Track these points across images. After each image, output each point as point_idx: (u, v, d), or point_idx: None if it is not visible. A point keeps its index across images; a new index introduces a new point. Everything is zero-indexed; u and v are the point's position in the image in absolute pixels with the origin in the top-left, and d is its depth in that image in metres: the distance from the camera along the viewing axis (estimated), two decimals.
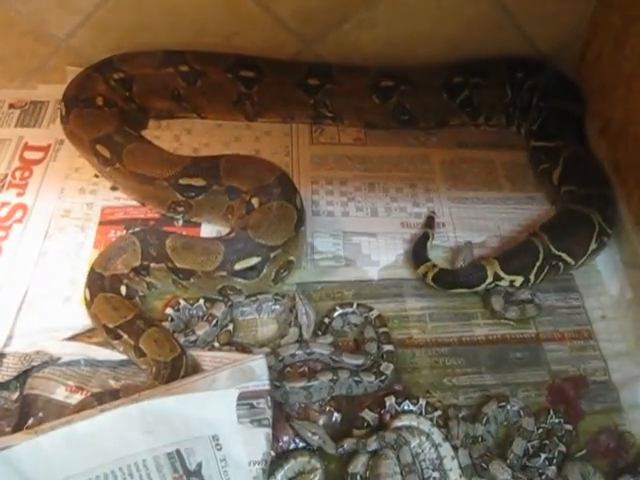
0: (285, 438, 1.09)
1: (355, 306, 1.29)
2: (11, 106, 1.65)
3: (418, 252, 1.38)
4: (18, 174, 1.49)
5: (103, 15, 1.54)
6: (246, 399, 1.00)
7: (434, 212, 1.47)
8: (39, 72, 1.65)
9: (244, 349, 1.22)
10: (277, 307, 1.30)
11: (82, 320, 1.24)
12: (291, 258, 1.30)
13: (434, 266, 1.34)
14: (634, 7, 1.43)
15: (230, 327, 1.26)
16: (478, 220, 1.48)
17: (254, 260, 1.24)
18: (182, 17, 1.55)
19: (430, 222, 1.44)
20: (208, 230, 1.42)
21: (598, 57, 1.59)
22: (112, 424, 0.89)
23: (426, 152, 1.62)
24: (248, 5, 1.53)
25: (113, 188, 1.48)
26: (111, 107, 1.52)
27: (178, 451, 0.91)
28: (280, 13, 1.56)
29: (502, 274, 1.30)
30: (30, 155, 1.54)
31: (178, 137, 1.60)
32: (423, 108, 1.63)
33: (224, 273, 1.24)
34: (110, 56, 1.58)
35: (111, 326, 1.17)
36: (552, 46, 1.63)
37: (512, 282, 1.32)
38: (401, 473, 1.07)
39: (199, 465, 0.91)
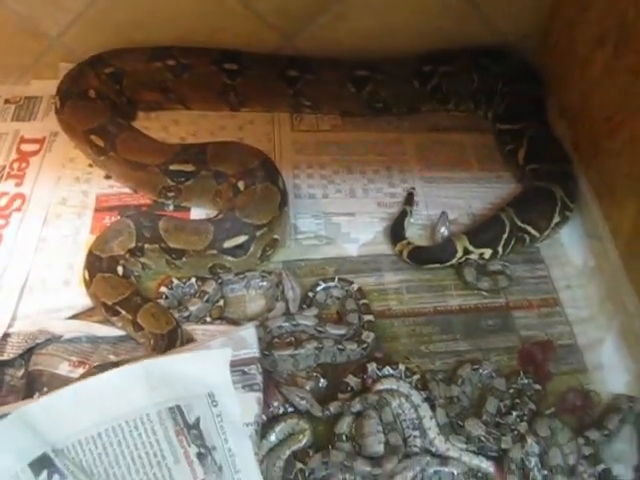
0: (275, 403, 1.11)
1: (337, 281, 1.31)
2: (7, 101, 1.65)
3: (395, 231, 1.41)
4: (16, 165, 1.50)
5: (94, 14, 1.54)
6: (237, 366, 1.02)
7: (414, 188, 1.49)
8: (33, 69, 1.65)
9: (234, 323, 1.24)
10: (264, 283, 1.31)
11: (82, 300, 1.25)
12: (276, 236, 1.32)
13: (409, 244, 1.37)
14: None
15: (221, 303, 1.27)
16: (450, 199, 1.49)
17: (242, 238, 1.26)
18: (169, 15, 1.56)
19: (410, 199, 1.46)
20: (197, 214, 1.43)
21: (556, 45, 1.62)
22: (118, 382, 0.91)
23: (400, 136, 1.63)
24: (231, 3, 1.54)
25: (107, 177, 1.49)
26: (103, 100, 1.52)
27: (178, 406, 0.93)
28: (261, 10, 1.57)
29: (471, 248, 1.33)
30: (26, 147, 1.54)
31: (166, 127, 1.61)
32: (396, 95, 1.65)
33: (214, 251, 1.26)
34: (101, 52, 1.58)
35: (110, 303, 1.18)
36: (515, 36, 1.66)
37: (481, 255, 1.34)
38: (384, 431, 1.09)
39: (197, 420, 0.93)
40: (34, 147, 1.55)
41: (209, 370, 0.93)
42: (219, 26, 1.59)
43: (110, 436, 0.91)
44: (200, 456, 0.93)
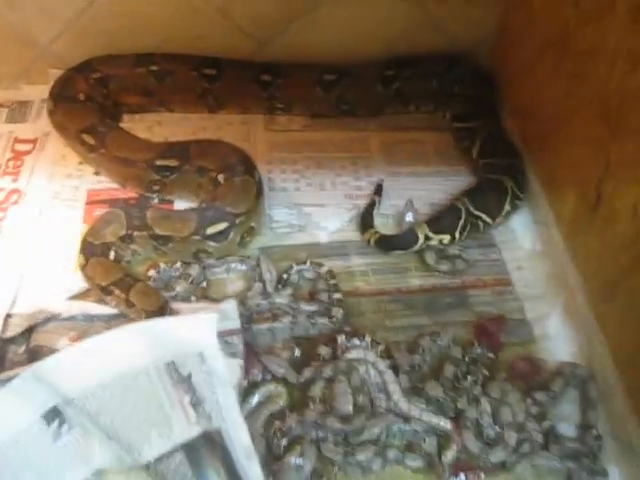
0: (255, 371, 1.22)
1: (309, 264, 1.41)
2: (0, 105, 1.74)
3: (364, 219, 1.52)
4: (11, 163, 1.60)
5: (81, 24, 1.64)
6: (221, 336, 1.12)
7: (383, 180, 1.60)
8: (24, 75, 1.74)
9: (217, 302, 1.32)
10: (243, 267, 1.41)
11: (77, 284, 1.35)
12: (253, 224, 1.44)
13: (376, 232, 1.47)
14: (530, 10, 1.59)
15: (204, 284, 1.37)
16: (412, 191, 1.59)
17: (223, 225, 1.37)
18: (152, 24, 1.66)
19: (379, 190, 1.57)
20: (180, 207, 1.53)
21: (506, 50, 1.73)
22: (120, 339, 1.01)
23: (366, 135, 1.74)
24: (210, 12, 1.65)
25: (96, 173, 1.59)
26: (92, 102, 1.63)
27: (173, 362, 1.02)
28: (238, 20, 1.67)
29: (431, 234, 1.44)
30: (20, 147, 1.64)
31: (150, 128, 1.71)
32: (362, 98, 1.75)
33: (198, 237, 1.36)
34: (89, 59, 1.68)
35: (104, 284, 1.28)
36: (470, 44, 1.77)
37: (441, 240, 1.45)
38: (352, 394, 1.19)
39: (189, 375, 1.03)
40: (27, 147, 1.64)
41: (198, 332, 1.03)
42: (199, 34, 1.69)
43: (114, 387, 1.01)
44: (193, 405, 1.03)
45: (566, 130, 1.44)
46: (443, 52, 1.78)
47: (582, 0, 1.35)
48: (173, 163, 1.48)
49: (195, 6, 1.64)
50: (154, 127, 1.72)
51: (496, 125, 1.68)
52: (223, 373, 1.03)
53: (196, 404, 1.03)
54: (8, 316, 1.29)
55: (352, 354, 1.26)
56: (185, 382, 1.03)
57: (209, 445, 1.04)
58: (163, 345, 1.02)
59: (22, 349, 1.25)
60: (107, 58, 1.69)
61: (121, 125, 1.68)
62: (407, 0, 1.68)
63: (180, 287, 1.35)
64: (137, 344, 1.01)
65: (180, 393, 1.03)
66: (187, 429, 1.04)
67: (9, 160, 1.61)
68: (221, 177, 1.45)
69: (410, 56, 1.76)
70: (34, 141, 1.66)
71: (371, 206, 1.54)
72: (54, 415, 0.99)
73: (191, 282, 1.37)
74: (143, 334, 1.02)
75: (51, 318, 1.27)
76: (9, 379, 0.99)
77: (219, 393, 1.03)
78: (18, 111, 1.74)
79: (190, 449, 1.04)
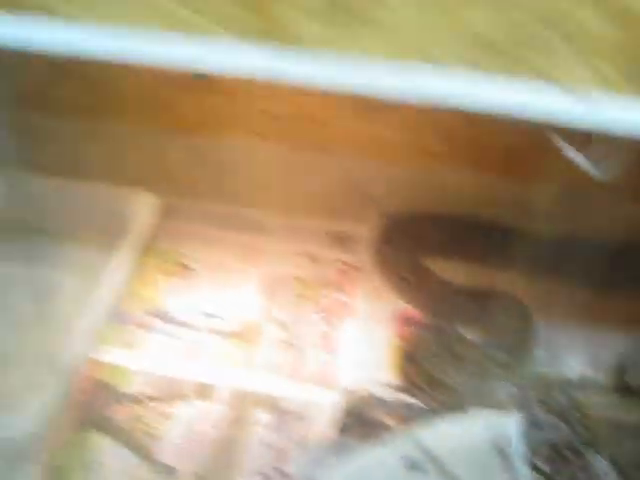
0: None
1: (561, 392, 1.74)
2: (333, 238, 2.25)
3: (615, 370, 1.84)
4: (341, 284, 2.12)
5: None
6: None
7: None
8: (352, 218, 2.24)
9: None
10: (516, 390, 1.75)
11: (393, 379, 1.82)
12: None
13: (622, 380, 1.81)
14: None
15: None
16: None
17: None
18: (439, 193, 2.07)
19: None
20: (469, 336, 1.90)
21: None
22: (462, 421, 1.53)
23: None
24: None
25: (406, 302, 2.06)
26: (404, 248, 2.12)
27: (494, 441, 1.53)
28: None
29: None
30: (347, 270, 2.16)
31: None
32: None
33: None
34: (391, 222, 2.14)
35: (416, 381, 1.69)
36: None
37: None
38: None
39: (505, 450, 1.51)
40: (354, 273, 2.15)
41: (506, 425, 1.55)
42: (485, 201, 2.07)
43: (459, 450, 1.49)
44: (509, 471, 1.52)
45: None
46: None
47: None
48: (469, 304, 1.88)
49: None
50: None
51: None
52: (520, 455, 1.53)
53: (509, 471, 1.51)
54: (345, 392, 1.79)
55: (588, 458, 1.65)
56: (504, 455, 1.51)
57: None
58: (487, 428, 1.52)
59: (356, 420, 1.70)
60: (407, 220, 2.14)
61: None
62: None
63: None
64: (473, 425, 1.53)
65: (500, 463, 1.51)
66: None
67: (339, 280, 2.13)
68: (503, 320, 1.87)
69: None
70: (358, 269, 2.16)
71: (623, 360, 1.83)
72: (412, 461, 1.49)
73: None
74: (473, 419, 1.55)
75: (377, 401, 1.73)
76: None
77: (520, 471, 1.52)
78: (345, 242, 2.25)
79: None
